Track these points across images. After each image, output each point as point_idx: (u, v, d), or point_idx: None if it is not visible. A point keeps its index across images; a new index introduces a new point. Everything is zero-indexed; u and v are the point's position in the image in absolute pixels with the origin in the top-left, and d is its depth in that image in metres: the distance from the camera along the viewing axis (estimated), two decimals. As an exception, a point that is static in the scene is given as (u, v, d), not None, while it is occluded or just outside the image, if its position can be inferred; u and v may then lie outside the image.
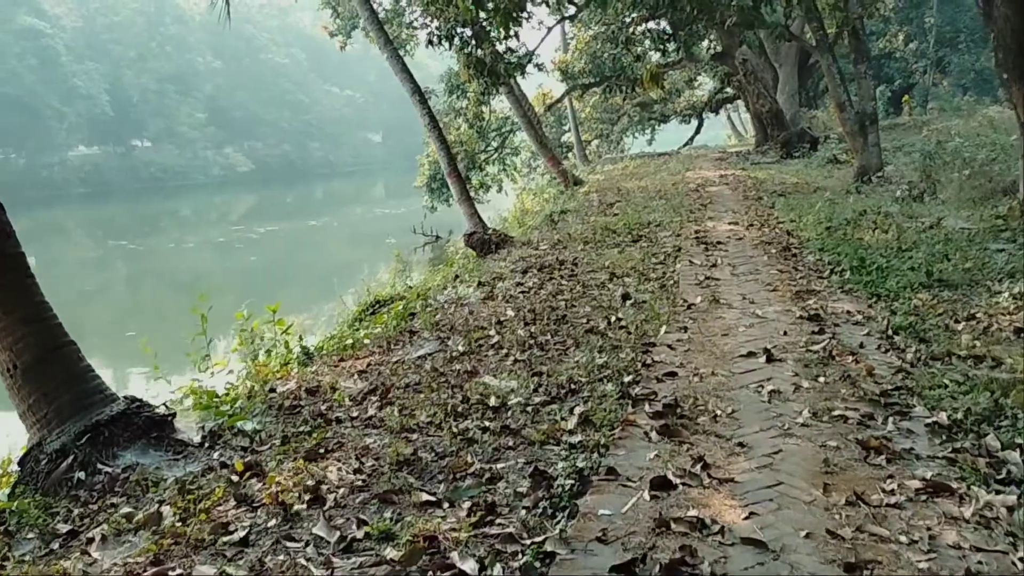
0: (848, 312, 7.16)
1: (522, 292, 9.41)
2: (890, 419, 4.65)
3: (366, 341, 8.08)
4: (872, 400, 4.96)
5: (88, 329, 22.82)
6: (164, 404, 6.13)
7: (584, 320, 7.76)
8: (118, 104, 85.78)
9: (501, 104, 32.88)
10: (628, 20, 21.95)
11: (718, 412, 4.91)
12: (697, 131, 47.72)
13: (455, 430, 4.94)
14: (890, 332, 6.35)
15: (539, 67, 35.66)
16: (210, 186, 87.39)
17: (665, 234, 13.19)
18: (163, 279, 34.06)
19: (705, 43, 40.41)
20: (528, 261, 12.14)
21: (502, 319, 8.02)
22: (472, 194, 38.27)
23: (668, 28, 21.47)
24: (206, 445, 5.25)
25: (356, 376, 6.90)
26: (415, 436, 5.00)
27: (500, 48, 24.43)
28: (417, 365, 6.91)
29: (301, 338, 8.82)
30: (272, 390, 6.68)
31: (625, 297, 8.41)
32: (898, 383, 5.22)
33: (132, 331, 21.47)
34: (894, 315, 6.79)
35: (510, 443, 4.70)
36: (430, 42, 20.56)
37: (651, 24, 21.03)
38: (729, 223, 13.77)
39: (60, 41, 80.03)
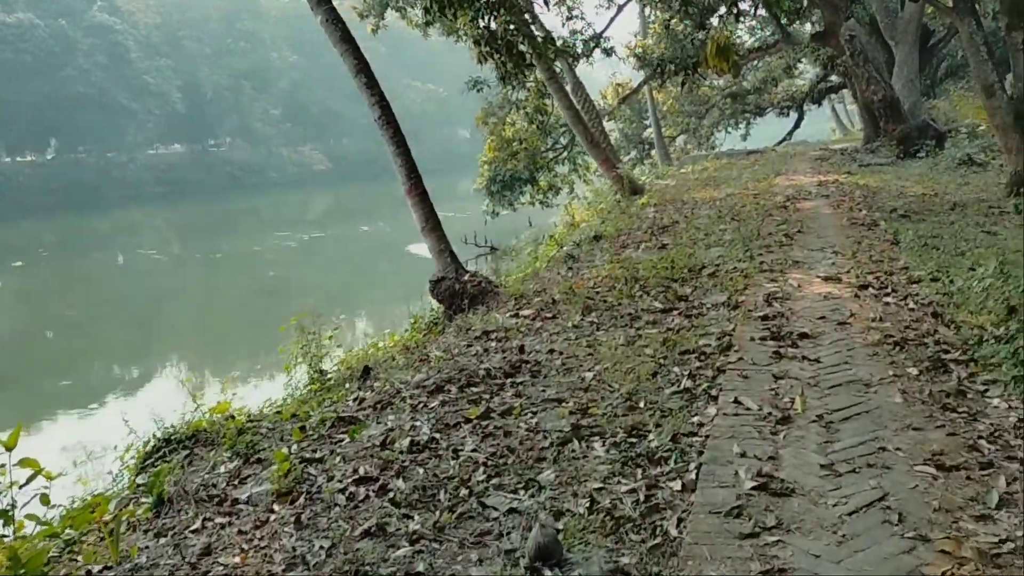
0: None
1: (361, 483, 4.36)
2: None
3: None
4: None
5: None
6: None
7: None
8: (191, 102, 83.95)
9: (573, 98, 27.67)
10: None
11: None
12: (797, 125, 42.05)
13: None
14: None
15: (608, 52, 30.59)
16: (286, 185, 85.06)
17: (718, 299, 7.95)
18: (145, 301, 29.88)
19: (808, 26, 34.65)
20: (469, 355, 7.11)
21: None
22: (541, 198, 33.86)
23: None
24: None
25: None
26: None
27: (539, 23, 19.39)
28: None
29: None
30: None
31: (540, 559, 3.30)
32: None
33: (68, 380, 17.28)
34: None
35: None
36: (427, 9, 15.70)
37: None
38: (825, 277, 8.42)
39: (130, 37, 78.17)
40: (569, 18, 30.24)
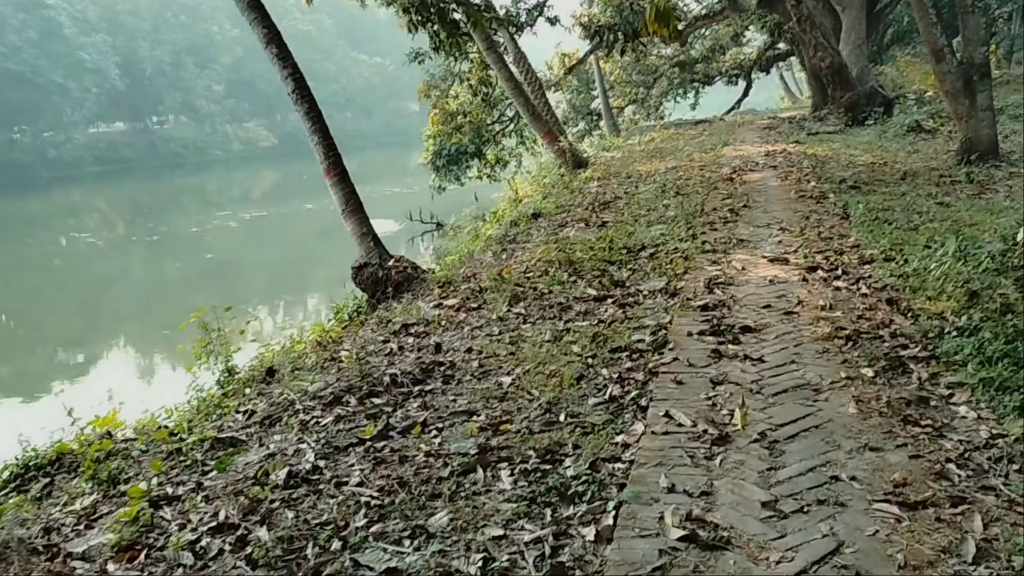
0: None
1: (218, 532, 3.62)
2: None
3: None
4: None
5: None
6: None
7: None
8: (131, 78, 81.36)
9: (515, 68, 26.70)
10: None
11: None
12: (745, 93, 41.69)
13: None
14: None
15: (552, 21, 29.83)
16: (232, 162, 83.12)
17: (655, 285, 7.30)
18: (73, 288, 28.18)
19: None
20: (381, 355, 6.38)
21: None
22: (489, 172, 33.02)
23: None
24: None
25: None
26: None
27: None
28: None
29: None
30: None
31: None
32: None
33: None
34: None
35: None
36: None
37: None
38: (772, 258, 7.80)
39: (63, 13, 75.36)
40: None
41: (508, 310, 7.23)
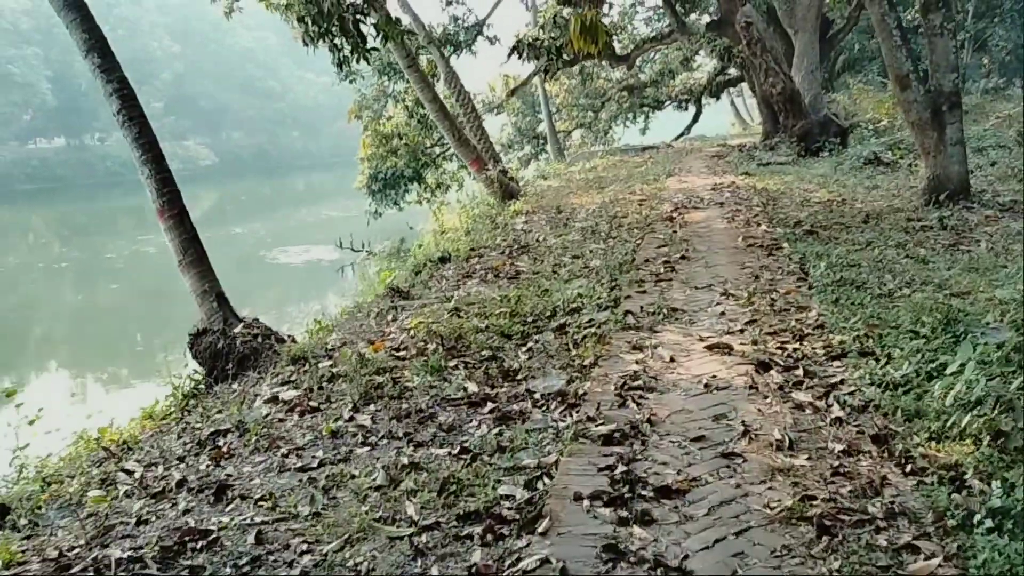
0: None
1: None
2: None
3: None
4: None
5: None
6: None
7: None
8: (65, 94, 78.29)
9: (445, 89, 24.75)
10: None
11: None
12: (695, 119, 40.29)
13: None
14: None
15: (492, 40, 28.10)
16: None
17: (553, 385, 5.34)
18: None
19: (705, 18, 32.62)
20: (143, 496, 4.33)
21: None
22: (429, 197, 31.00)
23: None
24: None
25: None
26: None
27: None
28: None
29: None
30: None
31: None
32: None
33: None
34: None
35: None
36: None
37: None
38: (711, 344, 5.87)
39: (-10, 23, 72.27)
40: (449, 3, 27.64)
41: (351, 418, 5.25)
